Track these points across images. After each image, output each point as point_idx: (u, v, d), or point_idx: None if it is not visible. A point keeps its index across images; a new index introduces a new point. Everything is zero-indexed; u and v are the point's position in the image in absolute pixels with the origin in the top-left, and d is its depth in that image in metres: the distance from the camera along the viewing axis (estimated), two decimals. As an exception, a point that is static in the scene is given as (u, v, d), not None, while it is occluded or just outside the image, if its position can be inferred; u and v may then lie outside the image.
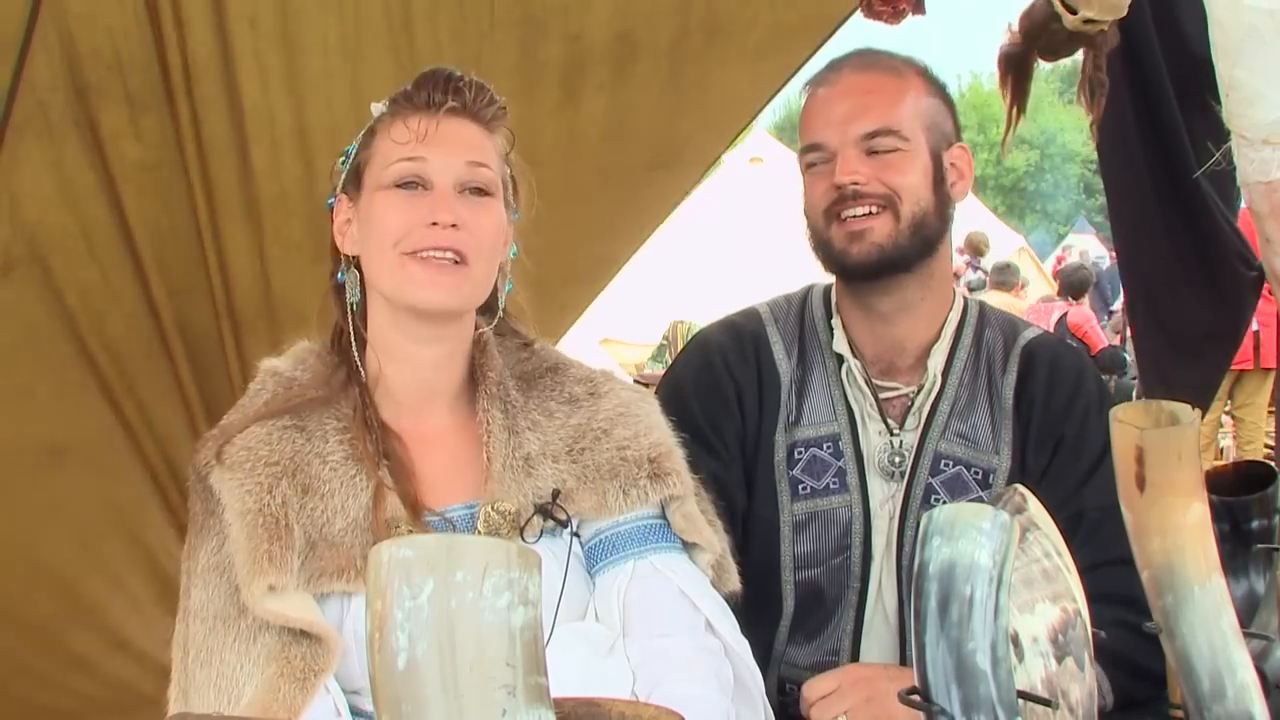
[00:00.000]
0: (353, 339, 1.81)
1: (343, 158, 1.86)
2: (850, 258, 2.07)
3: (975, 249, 13.75)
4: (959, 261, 13.11)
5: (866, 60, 2.13)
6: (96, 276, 2.75)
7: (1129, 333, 3.94)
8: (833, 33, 3.21)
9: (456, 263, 1.73)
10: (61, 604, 2.89)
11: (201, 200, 2.78)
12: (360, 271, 1.82)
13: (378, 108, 1.84)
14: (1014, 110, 2.35)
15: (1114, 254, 3.88)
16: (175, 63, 2.62)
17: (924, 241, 2.08)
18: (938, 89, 2.15)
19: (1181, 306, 3.49)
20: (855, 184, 2.04)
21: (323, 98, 2.77)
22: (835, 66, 2.15)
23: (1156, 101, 3.18)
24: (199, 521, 1.73)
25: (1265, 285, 3.62)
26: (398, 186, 1.76)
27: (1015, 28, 2.23)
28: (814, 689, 1.94)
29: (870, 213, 2.05)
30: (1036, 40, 2.19)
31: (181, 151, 2.71)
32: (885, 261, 2.06)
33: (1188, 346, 3.52)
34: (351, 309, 1.82)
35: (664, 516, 1.85)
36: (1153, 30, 3.13)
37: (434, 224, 1.72)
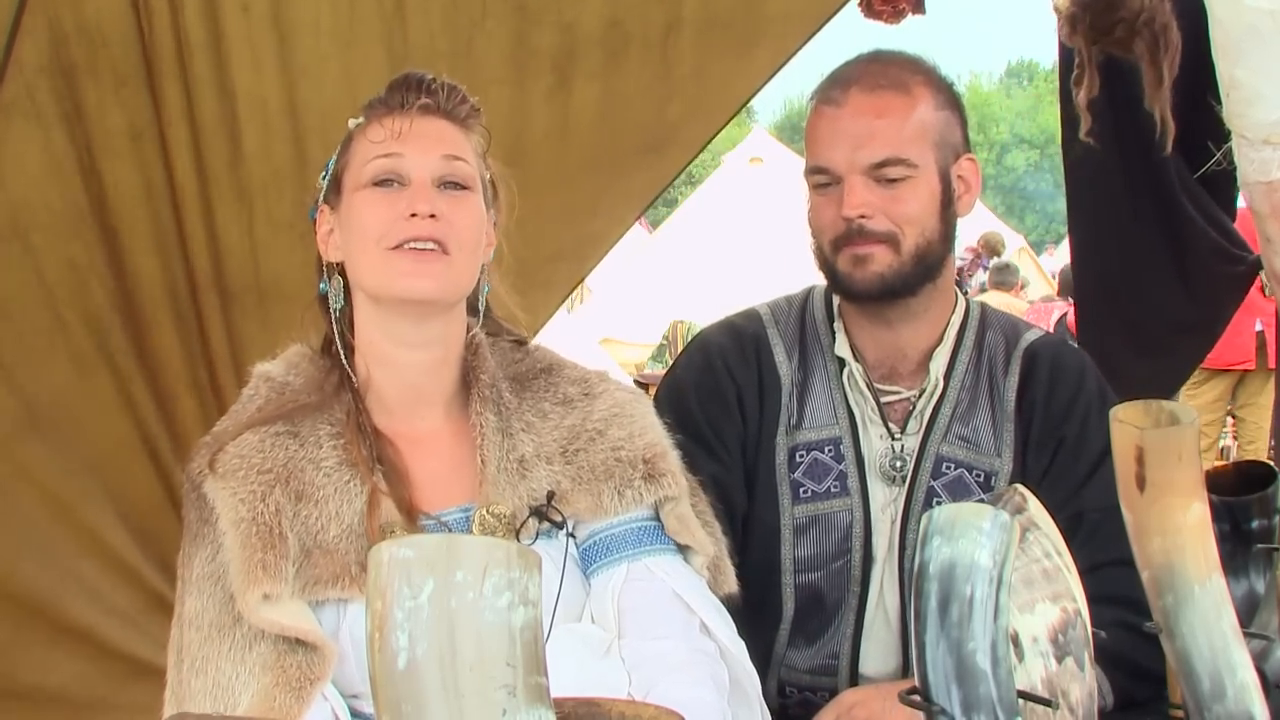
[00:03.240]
0: (340, 349, 1.81)
1: (323, 172, 1.87)
2: (855, 284, 2.07)
3: (992, 249, 13.60)
4: (969, 260, 13.01)
5: (875, 77, 2.09)
6: (78, 251, 2.76)
7: (1074, 328, 3.90)
8: (826, 21, 3.20)
9: (436, 251, 1.73)
10: (44, 576, 2.90)
11: (191, 178, 2.79)
12: (344, 278, 1.82)
13: (354, 121, 1.85)
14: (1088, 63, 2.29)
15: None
16: (166, 42, 2.62)
17: (927, 269, 2.08)
18: (947, 98, 2.12)
19: (1147, 301, 3.47)
20: (863, 217, 2.03)
21: (314, 82, 2.77)
22: (843, 82, 2.10)
23: (1137, 99, 3.16)
24: (193, 529, 1.73)
25: (1257, 281, 3.62)
26: (376, 185, 1.77)
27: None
28: None
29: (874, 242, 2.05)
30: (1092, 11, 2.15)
31: (164, 129, 2.71)
32: (888, 289, 2.07)
33: (1151, 341, 3.50)
34: (337, 316, 1.82)
35: (658, 518, 1.85)
36: None
37: (413, 215, 1.73)
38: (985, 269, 12.92)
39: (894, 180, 2.04)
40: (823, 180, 2.09)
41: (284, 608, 1.63)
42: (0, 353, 2.75)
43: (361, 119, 1.84)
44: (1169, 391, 3.72)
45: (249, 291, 2.94)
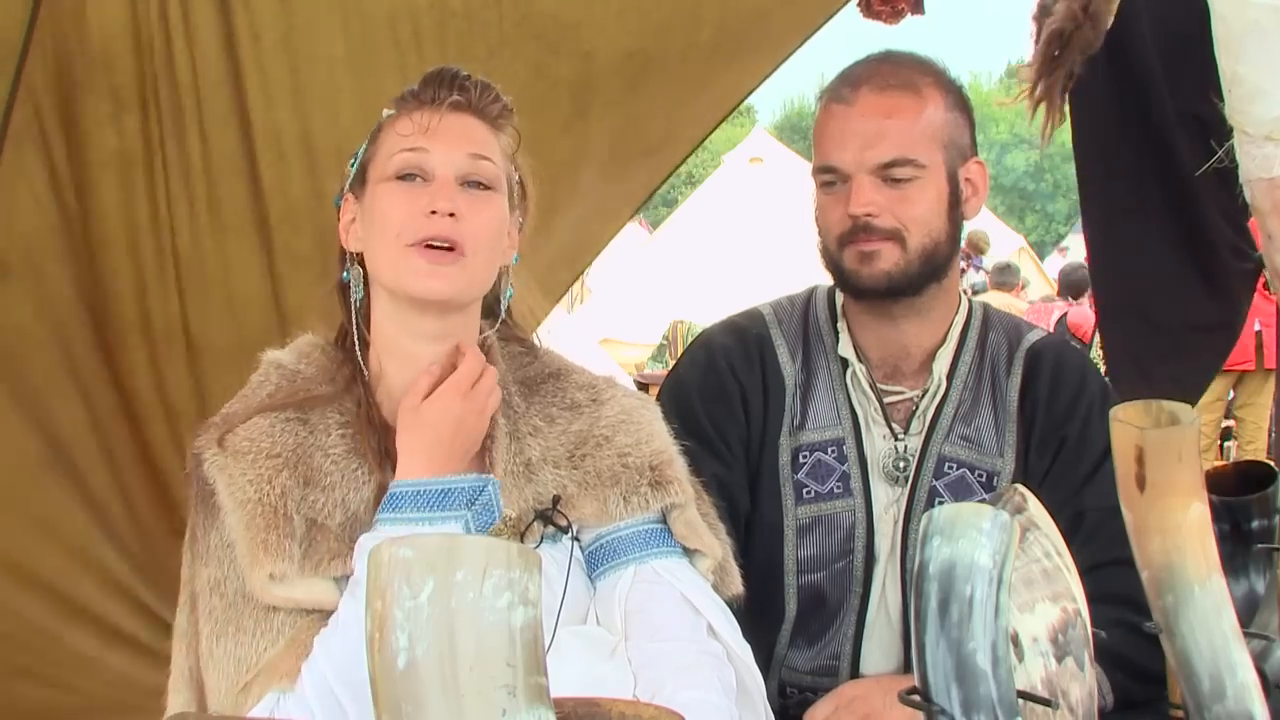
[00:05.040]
0: (356, 339, 1.81)
1: (352, 160, 1.87)
2: (862, 280, 2.07)
3: (976, 248, 13.63)
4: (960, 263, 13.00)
5: (885, 77, 2.09)
6: (87, 280, 2.76)
7: (1096, 327, 3.83)
8: (822, 24, 3.21)
9: (452, 251, 1.72)
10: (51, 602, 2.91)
11: (204, 212, 2.78)
12: (364, 269, 1.81)
13: (386, 112, 1.85)
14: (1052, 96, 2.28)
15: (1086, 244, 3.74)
16: (185, 80, 2.62)
17: (933, 269, 2.08)
18: (956, 100, 2.12)
19: (1167, 297, 3.44)
20: (869, 215, 2.04)
21: (330, 112, 2.77)
22: (853, 82, 2.10)
23: (1144, 90, 3.15)
24: (203, 504, 1.72)
25: (1261, 280, 3.60)
26: (399, 178, 1.76)
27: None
28: (812, 716, 1.99)
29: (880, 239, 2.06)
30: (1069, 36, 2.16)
31: (165, 158, 2.70)
32: (894, 287, 2.07)
33: (1173, 340, 3.48)
34: (355, 307, 1.82)
35: (665, 521, 1.85)
36: (1144, 18, 3.10)
37: (433, 213, 1.72)
38: (977, 269, 12.94)
39: (902, 180, 2.04)
40: (830, 179, 2.09)
41: (295, 585, 1.65)
42: (13, 384, 2.75)
43: (393, 110, 1.83)
44: (1196, 393, 3.68)
45: (271, 332, 2.93)
